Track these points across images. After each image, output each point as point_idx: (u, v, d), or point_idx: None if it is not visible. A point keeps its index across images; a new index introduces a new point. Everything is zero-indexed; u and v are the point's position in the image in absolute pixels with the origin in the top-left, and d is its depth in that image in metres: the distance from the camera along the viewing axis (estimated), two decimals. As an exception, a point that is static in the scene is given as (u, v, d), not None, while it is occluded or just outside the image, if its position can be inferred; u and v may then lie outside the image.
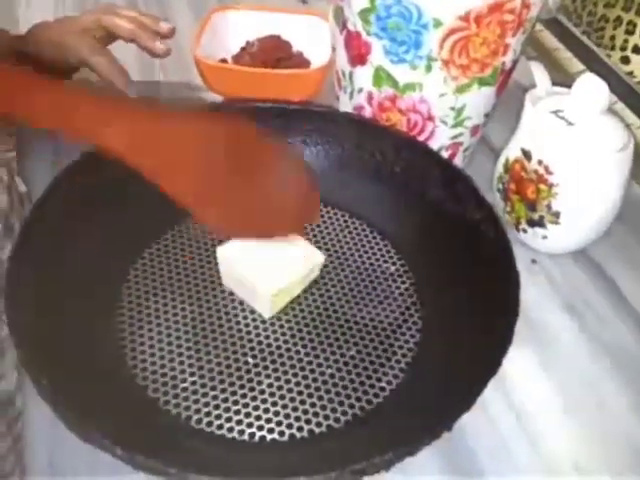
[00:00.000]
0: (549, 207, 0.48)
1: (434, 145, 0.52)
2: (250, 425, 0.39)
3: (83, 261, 0.43)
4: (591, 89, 0.47)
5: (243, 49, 0.65)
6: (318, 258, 0.46)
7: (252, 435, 0.38)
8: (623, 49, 0.73)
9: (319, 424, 0.39)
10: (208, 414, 0.39)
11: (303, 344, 0.43)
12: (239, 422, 0.39)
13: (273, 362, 0.42)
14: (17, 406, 0.41)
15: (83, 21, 0.55)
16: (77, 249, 0.43)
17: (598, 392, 0.43)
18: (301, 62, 0.64)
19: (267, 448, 0.38)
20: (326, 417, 0.39)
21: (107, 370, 0.40)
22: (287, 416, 0.39)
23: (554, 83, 0.51)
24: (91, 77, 0.56)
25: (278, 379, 0.41)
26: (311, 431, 0.39)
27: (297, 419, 0.39)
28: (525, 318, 0.41)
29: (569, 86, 0.48)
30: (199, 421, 0.39)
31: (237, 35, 0.65)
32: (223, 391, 0.40)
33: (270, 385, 0.41)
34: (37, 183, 0.53)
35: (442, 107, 0.50)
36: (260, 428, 0.39)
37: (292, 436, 0.38)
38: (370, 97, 0.51)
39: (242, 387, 0.40)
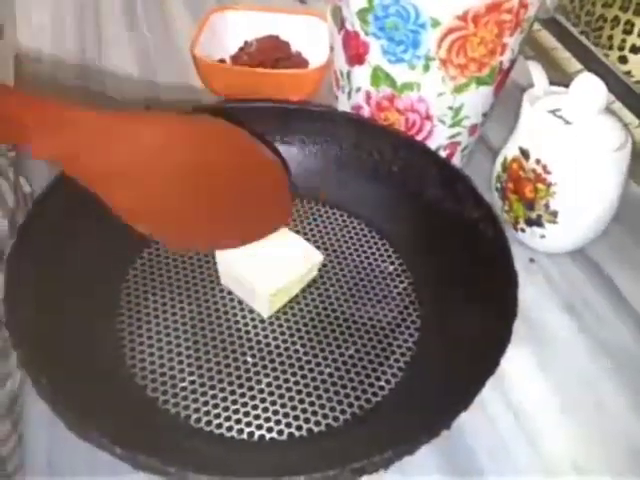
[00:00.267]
0: (547, 206, 0.48)
1: (432, 144, 0.52)
2: (249, 424, 0.39)
3: (83, 260, 0.43)
4: (589, 88, 0.47)
5: (241, 49, 0.65)
6: (317, 258, 0.46)
7: (251, 434, 0.38)
8: (621, 49, 0.74)
9: (318, 423, 0.39)
10: (207, 413, 0.39)
11: (302, 343, 0.43)
12: (238, 421, 0.39)
13: (272, 361, 0.42)
14: (22, 408, 0.41)
15: None
16: (77, 248, 0.43)
17: (597, 392, 0.43)
18: (299, 62, 0.64)
19: (266, 447, 0.38)
20: (325, 416, 0.39)
21: (106, 369, 0.40)
22: (286, 415, 0.39)
23: (552, 82, 0.51)
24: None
25: (277, 378, 0.41)
26: (310, 430, 0.39)
27: (296, 418, 0.39)
28: (523, 317, 0.41)
29: (567, 85, 0.48)
30: (198, 420, 0.39)
31: (235, 35, 0.65)
32: (222, 390, 0.40)
33: (269, 384, 0.41)
34: (37, 182, 0.53)
35: (440, 107, 0.50)
36: (259, 427, 0.39)
37: (291, 435, 0.38)
38: (368, 97, 0.51)
39: (241, 386, 0.40)
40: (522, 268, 0.47)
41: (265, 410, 0.39)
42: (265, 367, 0.42)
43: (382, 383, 0.41)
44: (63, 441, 0.37)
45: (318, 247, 0.48)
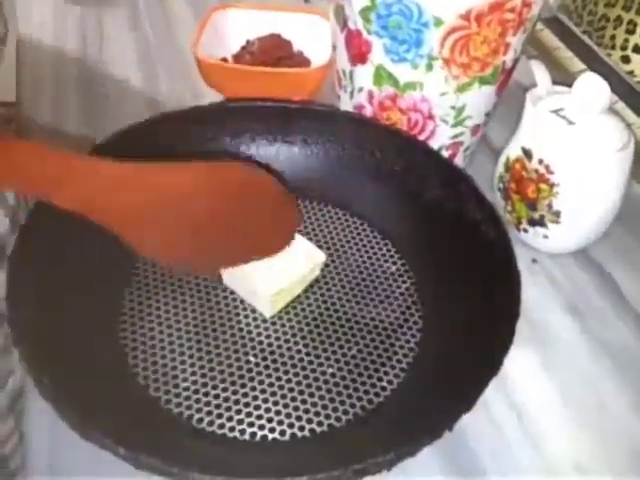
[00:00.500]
0: (550, 206, 0.48)
1: (435, 144, 0.52)
2: (251, 424, 0.39)
3: (84, 258, 0.43)
4: (592, 88, 0.47)
5: (243, 48, 0.65)
6: (319, 257, 0.46)
7: (253, 434, 0.38)
8: (623, 48, 0.73)
9: (320, 423, 0.39)
10: (209, 413, 0.39)
11: (304, 343, 0.43)
12: (240, 421, 0.39)
13: (274, 361, 0.42)
14: (24, 408, 0.41)
15: None
16: (79, 246, 0.43)
17: (599, 392, 0.43)
18: (301, 61, 0.64)
19: (268, 448, 0.38)
20: (327, 416, 0.39)
21: (108, 369, 0.40)
22: (288, 415, 0.39)
23: (555, 82, 0.51)
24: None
25: (279, 378, 0.41)
26: (312, 430, 0.39)
27: (298, 418, 0.39)
28: (526, 318, 0.41)
29: (570, 85, 0.48)
30: (200, 420, 0.39)
31: (237, 34, 0.65)
32: (224, 390, 0.40)
33: (271, 384, 0.41)
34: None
35: (443, 106, 0.50)
36: (261, 427, 0.39)
37: (293, 435, 0.38)
38: (371, 96, 0.51)
39: (243, 386, 0.40)
40: (525, 268, 0.46)
41: (267, 410, 0.39)
42: (267, 367, 0.42)
43: (384, 384, 0.41)
44: (65, 441, 0.37)
45: (320, 247, 0.48)
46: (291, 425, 0.39)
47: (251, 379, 0.41)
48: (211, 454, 0.37)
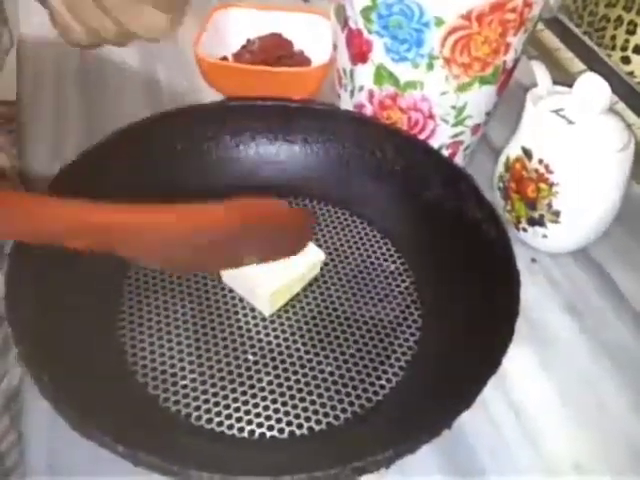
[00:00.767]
0: (549, 206, 0.48)
1: (435, 144, 0.52)
2: (250, 422, 0.39)
3: (84, 257, 0.43)
4: (592, 88, 0.47)
5: (244, 47, 0.65)
6: (318, 256, 0.46)
7: (252, 432, 0.38)
8: (624, 49, 0.73)
9: (319, 421, 0.39)
10: (208, 411, 0.39)
11: (303, 342, 0.43)
12: (239, 419, 0.39)
13: (273, 359, 0.42)
14: (21, 401, 0.41)
15: None
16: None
17: (598, 392, 0.43)
18: (302, 60, 0.64)
19: (267, 445, 0.38)
20: (326, 415, 0.39)
21: (107, 367, 0.40)
22: (287, 413, 0.39)
23: (555, 82, 0.51)
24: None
25: (278, 376, 0.41)
26: (311, 428, 0.39)
27: (297, 416, 0.39)
28: (525, 317, 0.41)
29: (570, 85, 0.48)
30: (199, 418, 0.39)
31: (238, 33, 0.65)
32: (223, 388, 0.40)
33: (270, 382, 0.41)
34: (38, 179, 0.53)
35: (443, 105, 0.50)
36: (260, 425, 0.39)
37: (292, 433, 0.38)
38: (371, 95, 0.51)
39: (242, 384, 0.40)
40: (524, 268, 0.46)
41: (266, 408, 0.39)
42: (266, 365, 0.42)
43: (383, 382, 0.41)
44: (63, 441, 0.37)
45: (320, 245, 0.48)
46: (290, 423, 0.39)
47: (250, 377, 0.41)
48: (209, 452, 0.37)
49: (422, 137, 0.52)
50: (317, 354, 0.42)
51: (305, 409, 0.40)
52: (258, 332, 0.43)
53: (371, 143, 0.51)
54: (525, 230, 0.51)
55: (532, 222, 0.50)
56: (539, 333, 0.46)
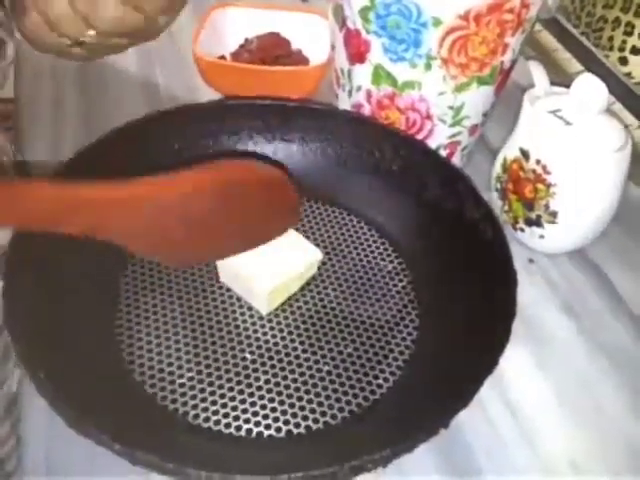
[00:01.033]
0: (547, 206, 0.48)
1: (432, 144, 0.53)
2: (247, 421, 0.39)
3: (81, 255, 0.43)
4: (590, 89, 0.47)
5: (242, 46, 0.65)
6: (316, 255, 0.46)
7: (249, 431, 0.38)
8: (621, 50, 0.74)
9: (316, 421, 0.39)
10: (205, 410, 0.39)
11: (300, 341, 0.43)
12: (236, 418, 0.39)
13: (270, 358, 0.42)
14: (20, 407, 0.41)
15: None
16: (76, 243, 0.43)
17: (595, 392, 0.43)
18: (300, 60, 0.64)
19: (264, 444, 0.38)
20: (323, 414, 0.39)
21: (105, 365, 0.40)
22: (284, 412, 0.39)
23: (552, 83, 0.51)
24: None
25: (275, 375, 0.41)
26: (308, 427, 0.39)
27: (294, 415, 0.39)
28: (522, 317, 0.41)
29: (568, 86, 0.48)
30: (196, 417, 0.39)
31: (236, 32, 0.65)
32: (220, 387, 0.40)
33: (267, 381, 0.41)
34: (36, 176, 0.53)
35: (441, 106, 0.50)
36: (257, 424, 0.39)
37: (289, 432, 0.38)
38: (369, 95, 0.51)
39: (239, 383, 0.40)
40: (521, 268, 0.47)
41: (263, 407, 0.39)
42: (264, 364, 0.42)
43: (380, 381, 0.41)
44: (61, 441, 0.37)
45: (317, 245, 0.48)
46: (287, 422, 0.39)
47: (247, 376, 0.41)
48: (207, 450, 0.37)
49: (420, 137, 0.52)
50: (315, 353, 0.42)
51: (302, 408, 0.40)
52: (256, 331, 0.43)
53: (369, 143, 0.52)
54: (522, 230, 0.51)
55: (529, 222, 0.50)
56: (536, 333, 0.46)
